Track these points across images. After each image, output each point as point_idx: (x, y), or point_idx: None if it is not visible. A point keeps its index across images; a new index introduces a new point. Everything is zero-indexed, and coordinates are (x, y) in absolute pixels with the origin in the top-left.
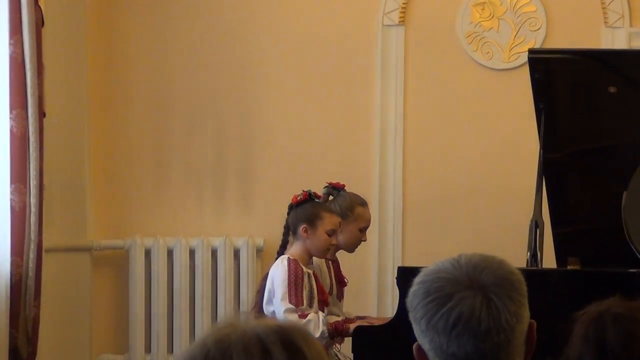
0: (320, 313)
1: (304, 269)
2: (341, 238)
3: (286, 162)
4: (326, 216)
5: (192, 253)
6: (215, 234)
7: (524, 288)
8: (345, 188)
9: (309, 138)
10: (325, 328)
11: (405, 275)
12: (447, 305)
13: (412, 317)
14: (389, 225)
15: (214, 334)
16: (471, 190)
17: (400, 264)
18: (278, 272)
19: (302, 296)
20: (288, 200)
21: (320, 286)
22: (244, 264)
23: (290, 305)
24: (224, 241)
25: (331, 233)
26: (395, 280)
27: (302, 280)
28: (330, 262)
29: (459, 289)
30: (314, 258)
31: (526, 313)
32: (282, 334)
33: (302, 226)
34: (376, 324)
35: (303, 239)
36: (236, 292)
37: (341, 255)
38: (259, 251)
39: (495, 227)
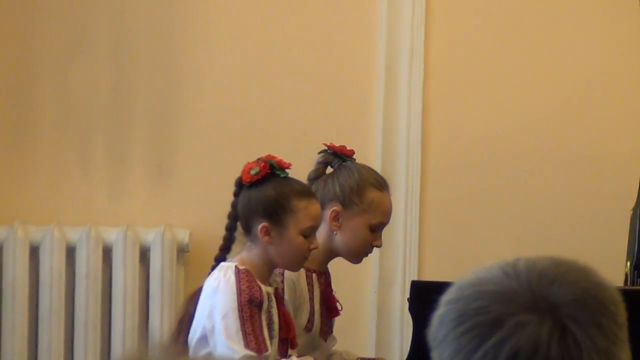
0: (294, 357)
1: (262, 287)
2: (341, 239)
3: (225, 116)
4: (299, 206)
5: (70, 251)
6: (110, 223)
7: (621, 313)
8: (354, 156)
9: (263, 79)
10: None
11: (423, 293)
12: (495, 336)
13: (437, 356)
14: (398, 219)
15: None
16: (526, 166)
17: (415, 278)
18: (220, 295)
19: (263, 334)
20: (228, 172)
21: (285, 314)
22: (155, 269)
23: (248, 352)
24: (124, 234)
25: (309, 232)
26: (407, 303)
27: (261, 307)
28: (314, 274)
29: (514, 311)
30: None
31: (623, 352)
32: None
33: (261, 224)
34: None
35: (262, 243)
36: (142, 314)
37: (337, 266)
38: (182, 251)
39: (564, 224)
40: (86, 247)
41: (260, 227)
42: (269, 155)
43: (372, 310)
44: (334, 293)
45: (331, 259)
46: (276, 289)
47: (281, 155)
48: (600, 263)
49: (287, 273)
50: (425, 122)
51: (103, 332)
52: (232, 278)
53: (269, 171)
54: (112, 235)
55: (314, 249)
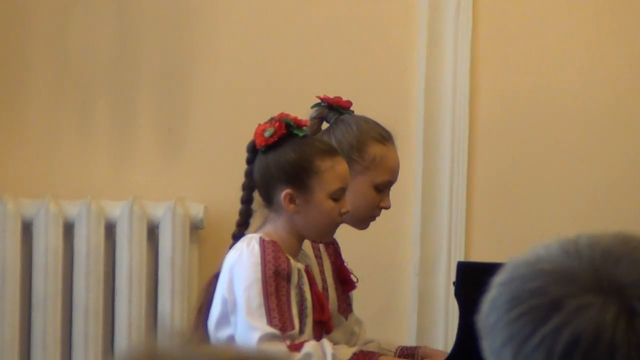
0: (326, 342)
1: (291, 261)
2: None
3: (244, 75)
4: (325, 166)
5: (68, 228)
6: (115, 196)
7: None
8: (352, 108)
9: (286, 34)
10: None
11: (471, 276)
12: (553, 320)
13: (489, 347)
14: (442, 192)
15: None
16: (589, 128)
17: (461, 258)
18: (243, 265)
19: (290, 310)
20: (248, 139)
21: (318, 294)
22: (165, 248)
23: (271, 329)
24: (129, 208)
25: (339, 195)
26: (452, 286)
27: (289, 281)
28: (322, 245)
29: (574, 292)
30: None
31: None
32: None
33: (284, 192)
34: None
35: (287, 212)
36: (150, 300)
37: (355, 240)
38: (195, 228)
39: (636, 197)
40: (86, 223)
41: (283, 194)
42: (282, 113)
43: (413, 295)
44: (346, 264)
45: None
46: (307, 267)
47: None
48: None
49: None
50: (473, 81)
51: (105, 320)
52: (257, 248)
53: (285, 131)
54: (115, 209)
55: (345, 213)
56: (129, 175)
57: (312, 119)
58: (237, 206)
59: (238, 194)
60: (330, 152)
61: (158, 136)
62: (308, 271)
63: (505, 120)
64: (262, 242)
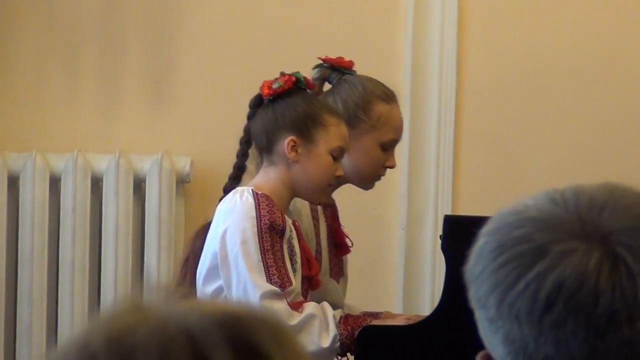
0: (326, 304)
1: (284, 216)
2: (348, 161)
3: (234, 26)
4: (332, 121)
5: (54, 181)
6: (101, 149)
7: None
8: (354, 68)
9: None
10: (337, 331)
11: (458, 229)
12: (537, 266)
13: (474, 296)
14: (429, 146)
15: (105, 327)
16: (574, 87)
17: (448, 212)
18: (237, 217)
19: (285, 267)
20: (236, 92)
21: (305, 249)
22: (152, 202)
23: (271, 287)
24: (115, 162)
25: (338, 154)
26: (439, 240)
27: (282, 236)
28: (319, 206)
29: (560, 238)
30: (296, 201)
31: None
32: (232, 328)
33: (288, 138)
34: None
35: (286, 162)
36: (137, 254)
37: (343, 194)
38: (182, 181)
39: (618, 153)
40: (72, 177)
41: (287, 140)
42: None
43: (400, 250)
44: (342, 228)
45: (338, 187)
46: (294, 222)
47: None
48: None
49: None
50: (461, 34)
51: (92, 274)
52: (251, 200)
53: (293, 85)
54: (102, 163)
55: (338, 176)
56: (116, 128)
57: (315, 79)
58: (224, 160)
59: (225, 146)
60: (336, 112)
61: (145, 90)
62: (296, 226)
63: (493, 74)
64: (256, 195)
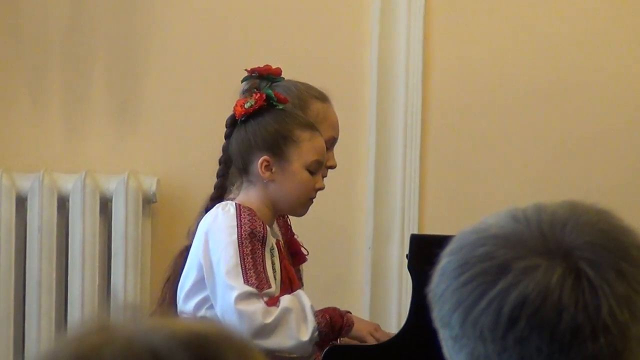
0: (302, 292)
1: (267, 228)
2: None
3: (200, 47)
4: (304, 137)
5: (21, 201)
6: (68, 169)
7: None
8: (306, 82)
9: (242, 3)
10: (315, 322)
11: (424, 249)
12: (500, 283)
13: (438, 316)
14: (395, 164)
15: (72, 346)
16: (540, 105)
17: (415, 231)
18: (218, 227)
19: (265, 271)
20: (202, 112)
21: (288, 269)
22: (118, 222)
23: (248, 287)
24: (82, 181)
25: (315, 168)
26: (405, 259)
27: (264, 244)
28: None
29: (522, 255)
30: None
31: None
32: (198, 349)
33: (261, 159)
34: (370, 342)
35: (262, 181)
36: (104, 273)
37: (308, 212)
38: (148, 201)
39: (582, 170)
40: (39, 197)
41: (260, 161)
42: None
43: (366, 269)
44: (296, 236)
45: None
46: (278, 241)
47: None
48: (622, 213)
49: None
50: (426, 52)
51: (58, 294)
52: (232, 211)
53: (265, 103)
54: (68, 182)
55: (319, 189)
56: (82, 148)
57: (245, 91)
58: (190, 180)
59: (191, 166)
60: (310, 125)
61: (111, 109)
62: (279, 246)
63: (459, 93)
64: (238, 207)
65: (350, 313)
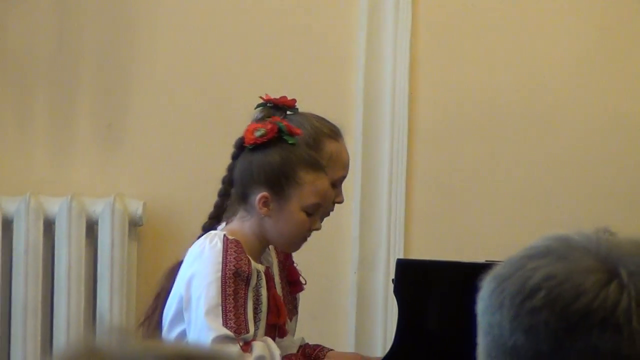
0: (269, 340)
1: (252, 263)
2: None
3: (185, 70)
4: (306, 179)
5: (7, 224)
6: (54, 192)
7: None
8: (296, 105)
9: (228, 29)
10: None
11: (410, 273)
12: (535, 262)
13: (486, 324)
14: (381, 189)
15: None
16: (528, 129)
17: (400, 256)
18: (204, 262)
19: (246, 314)
20: (188, 135)
21: (276, 297)
22: (104, 245)
23: (226, 331)
24: (68, 204)
25: (313, 210)
26: (391, 284)
27: (248, 283)
28: (271, 246)
29: (569, 255)
30: None
31: None
32: None
33: (260, 194)
34: None
35: (258, 215)
36: (89, 297)
37: (310, 243)
38: (134, 224)
39: (572, 195)
40: (25, 220)
41: (259, 197)
42: (275, 117)
43: (352, 293)
44: (295, 265)
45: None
46: (267, 269)
47: (247, 116)
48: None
49: None
50: (412, 79)
51: (44, 317)
52: (219, 245)
53: (276, 135)
54: (54, 206)
55: (315, 229)
56: (68, 171)
57: (257, 120)
58: (177, 203)
59: (178, 190)
60: (315, 165)
61: (97, 132)
62: (268, 273)
63: (444, 119)
64: (226, 241)
65: (333, 350)
